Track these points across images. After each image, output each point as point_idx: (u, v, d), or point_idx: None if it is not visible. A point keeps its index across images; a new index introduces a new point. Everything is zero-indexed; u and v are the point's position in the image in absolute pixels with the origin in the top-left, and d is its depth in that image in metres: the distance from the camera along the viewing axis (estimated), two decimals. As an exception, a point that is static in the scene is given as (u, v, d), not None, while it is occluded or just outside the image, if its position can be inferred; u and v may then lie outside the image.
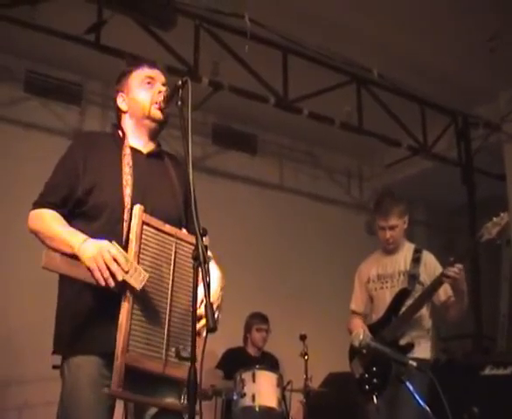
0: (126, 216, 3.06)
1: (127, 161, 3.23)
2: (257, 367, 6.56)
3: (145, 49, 6.54)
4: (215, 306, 2.98)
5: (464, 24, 7.19)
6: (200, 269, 2.66)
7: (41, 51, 7.57)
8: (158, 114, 3.32)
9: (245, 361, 7.09)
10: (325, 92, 7.77)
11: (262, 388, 6.37)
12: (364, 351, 5.05)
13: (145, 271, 2.88)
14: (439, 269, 5.36)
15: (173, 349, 2.96)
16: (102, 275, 2.79)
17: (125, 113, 3.46)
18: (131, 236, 2.96)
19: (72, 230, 3.03)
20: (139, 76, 3.45)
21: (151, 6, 6.21)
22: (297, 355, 6.72)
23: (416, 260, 5.46)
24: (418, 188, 9.83)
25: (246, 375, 6.39)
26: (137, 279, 2.82)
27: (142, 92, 3.38)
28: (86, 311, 2.99)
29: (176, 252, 3.08)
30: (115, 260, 2.81)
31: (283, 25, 7.01)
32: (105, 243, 2.87)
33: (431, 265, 5.45)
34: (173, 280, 3.05)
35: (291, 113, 7.77)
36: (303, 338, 6.77)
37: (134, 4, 6.12)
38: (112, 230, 3.05)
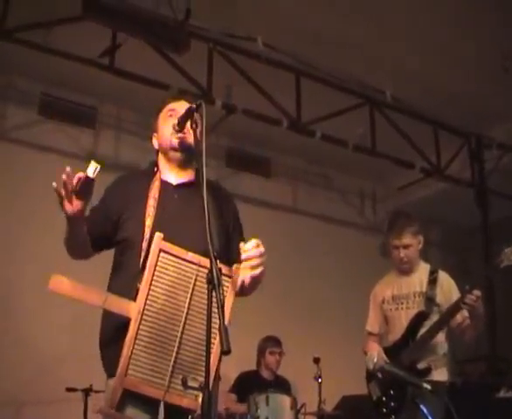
0: (144, 246, 3.13)
1: (153, 193, 3.31)
2: (271, 390, 6.54)
3: (159, 72, 6.61)
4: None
5: (477, 44, 7.19)
6: (214, 292, 2.66)
7: (56, 75, 7.62)
8: (176, 142, 3.37)
9: (258, 385, 7.07)
10: (338, 114, 7.79)
11: (276, 412, 6.35)
12: (380, 374, 5.03)
13: (157, 298, 2.95)
14: (455, 289, 5.32)
15: (180, 377, 2.96)
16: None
17: (158, 151, 3.55)
18: (147, 263, 3.00)
19: None
20: (164, 112, 3.53)
21: (165, 30, 6.25)
22: (311, 378, 6.70)
23: (432, 281, 5.41)
24: (431, 210, 9.80)
25: (260, 399, 6.37)
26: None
27: (165, 127, 3.45)
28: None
29: (196, 280, 3.06)
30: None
31: (296, 48, 7.04)
32: None
33: (447, 287, 5.40)
34: (188, 308, 3.04)
35: (304, 136, 7.78)
36: (317, 361, 6.75)
37: (149, 28, 6.16)
38: (132, 260, 3.14)
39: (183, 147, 3.37)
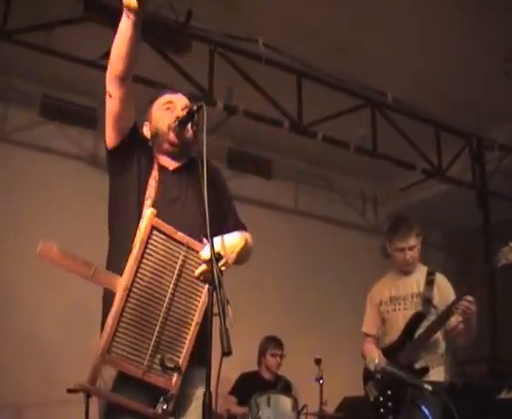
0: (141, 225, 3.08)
1: (154, 174, 3.34)
2: (272, 391, 6.54)
3: (160, 74, 6.60)
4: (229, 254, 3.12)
5: (478, 46, 7.20)
6: (215, 293, 2.68)
7: (57, 76, 7.63)
8: (175, 139, 3.36)
9: (259, 386, 7.07)
10: (339, 115, 7.79)
11: (277, 413, 6.36)
12: (380, 375, 5.03)
13: (144, 275, 2.94)
14: (452, 292, 5.35)
15: (158, 357, 2.96)
16: None
17: (149, 141, 3.52)
18: (136, 237, 2.97)
19: None
20: (160, 103, 3.51)
21: (166, 32, 6.27)
22: (312, 379, 6.69)
23: (429, 283, 5.45)
24: (432, 212, 9.82)
25: (261, 400, 6.38)
26: None
27: (161, 119, 3.44)
28: None
29: (183, 261, 3.07)
30: None
31: (297, 50, 7.05)
32: None
33: (444, 288, 5.43)
34: (174, 288, 3.04)
35: (305, 137, 7.78)
36: (318, 362, 6.74)
37: (150, 30, 6.16)
38: (126, 239, 3.11)
39: (181, 143, 3.36)
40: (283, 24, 6.86)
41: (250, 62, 7.10)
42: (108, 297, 3.03)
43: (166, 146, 3.41)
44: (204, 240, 3.15)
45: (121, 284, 2.89)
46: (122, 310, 2.87)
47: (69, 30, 6.30)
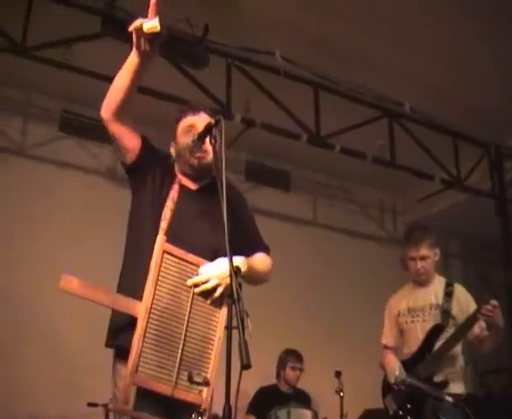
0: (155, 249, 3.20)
1: (172, 195, 3.42)
2: (292, 404, 6.53)
3: (178, 88, 6.63)
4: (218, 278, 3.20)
5: (495, 53, 7.16)
6: (234, 307, 2.72)
7: (75, 92, 7.69)
8: (195, 162, 3.47)
9: (277, 399, 7.05)
10: (357, 127, 7.78)
11: (298, 426, 6.36)
12: (400, 387, 5.01)
13: (162, 297, 3.11)
14: (471, 302, 5.32)
15: (185, 373, 3.07)
16: None
17: (174, 160, 3.64)
18: (151, 263, 3.12)
19: None
20: (182, 125, 3.60)
21: (184, 46, 6.30)
22: (332, 392, 6.68)
23: (448, 294, 5.42)
24: (451, 222, 9.77)
25: (281, 413, 6.39)
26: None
27: (184, 142, 3.53)
28: None
29: None
30: None
31: (314, 62, 7.06)
32: None
33: (463, 299, 5.40)
34: (191, 307, 3.19)
35: (323, 149, 7.78)
36: (338, 374, 6.73)
37: (167, 44, 6.19)
38: (141, 261, 3.23)
39: (200, 167, 3.46)
40: (299, 36, 6.87)
41: (267, 75, 7.11)
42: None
43: (186, 168, 3.52)
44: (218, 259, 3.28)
45: (141, 307, 3.06)
46: (145, 331, 3.04)
47: (87, 46, 6.34)
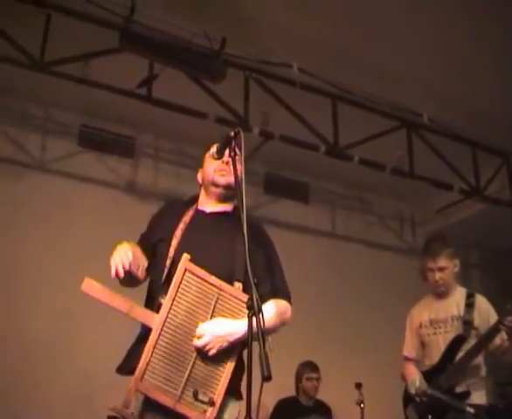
0: (167, 264, 3.39)
1: (185, 219, 3.53)
2: (313, 416, 6.52)
3: (196, 101, 6.66)
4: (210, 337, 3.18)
5: (512, 64, 7.16)
6: (255, 318, 2.74)
7: (94, 106, 7.74)
8: (220, 181, 3.56)
9: (298, 411, 7.05)
10: (375, 138, 7.76)
11: (319, 438, 6.34)
12: (421, 398, 4.99)
13: (178, 313, 3.20)
14: (492, 313, 5.30)
15: (191, 390, 3.11)
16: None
17: (201, 185, 3.76)
18: (173, 279, 3.23)
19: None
20: (210, 151, 3.61)
21: (201, 59, 6.31)
22: (353, 403, 6.66)
23: (469, 305, 5.40)
24: (471, 232, 9.73)
25: (302, 425, 6.37)
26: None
27: (209, 165, 3.64)
28: None
29: (216, 302, 3.26)
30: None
31: (331, 73, 7.05)
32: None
33: (484, 310, 5.38)
34: None
35: (342, 161, 7.76)
36: (359, 386, 6.71)
37: (185, 58, 6.22)
38: (158, 275, 3.42)
39: (226, 184, 3.53)
40: (316, 48, 6.87)
41: (284, 87, 7.12)
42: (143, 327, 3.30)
43: (211, 188, 3.61)
44: (236, 284, 3.32)
45: (157, 319, 3.17)
46: (156, 342, 3.14)
47: (105, 61, 6.37)
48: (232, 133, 3.22)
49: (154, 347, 3.13)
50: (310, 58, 6.89)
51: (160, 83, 6.58)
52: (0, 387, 6.78)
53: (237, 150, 3.28)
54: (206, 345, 3.16)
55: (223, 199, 3.62)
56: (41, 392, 6.99)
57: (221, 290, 3.25)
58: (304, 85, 7.09)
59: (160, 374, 3.11)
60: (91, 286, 3.19)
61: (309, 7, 6.44)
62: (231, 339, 3.20)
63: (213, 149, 3.43)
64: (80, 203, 7.80)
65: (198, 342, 3.17)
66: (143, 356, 3.11)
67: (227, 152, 3.33)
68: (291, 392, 7.70)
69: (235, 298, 3.26)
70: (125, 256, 3.22)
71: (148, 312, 3.23)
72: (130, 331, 3.42)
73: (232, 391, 3.25)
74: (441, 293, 5.52)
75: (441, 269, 5.42)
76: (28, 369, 6.98)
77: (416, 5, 6.38)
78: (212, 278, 3.25)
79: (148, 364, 3.10)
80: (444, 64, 7.20)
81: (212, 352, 3.16)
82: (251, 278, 2.77)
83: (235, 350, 3.23)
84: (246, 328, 3.02)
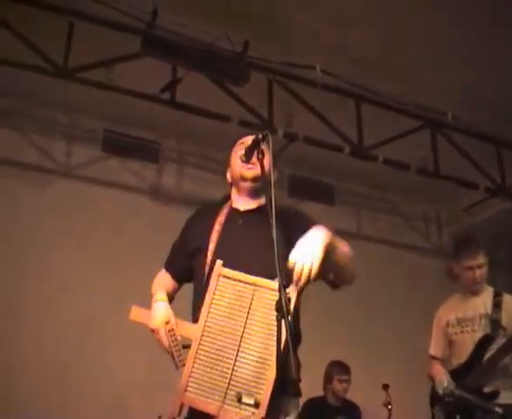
0: (206, 270, 3.35)
1: (220, 219, 3.52)
2: (342, 417, 6.50)
3: (219, 105, 6.67)
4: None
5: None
6: (283, 321, 2.69)
7: (118, 111, 7.76)
8: (248, 174, 3.53)
9: (326, 411, 7.02)
10: (399, 137, 7.73)
11: (348, 438, 6.33)
12: (448, 399, 4.97)
13: (216, 319, 3.20)
14: (521, 313, 5.28)
15: (235, 394, 3.05)
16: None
17: (231, 184, 3.73)
18: (208, 288, 3.25)
19: (158, 288, 3.60)
20: (235, 147, 3.67)
21: (224, 63, 6.33)
22: (380, 404, 6.63)
23: (497, 304, 5.38)
24: (497, 230, 9.65)
25: (331, 426, 6.35)
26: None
27: (235, 159, 3.61)
28: None
29: (252, 299, 3.22)
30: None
31: (354, 74, 7.03)
32: (160, 321, 3.36)
33: (512, 309, 5.37)
34: (245, 327, 3.18)
35: (366, 161, 7.74)
36: (386, 387, 6.68)
37: (208, 62, 6.24)
38: (199, 284, 3.39)
39: (254, 178, 3.51)
40: (340, 49, 6.87)
41: (308, 89, 7.11)
42: None
43: (240, 183, 3.58)
44: (277, 280, 3.21)
45: (196, 330, 3.20)
46: (196, 353, 3.16)
47: (129, 66, 6.40)
48: (260, 136, 3.23)
49: (194, 358, 3.15)
50: (333, 59, 6.88)
51: (183, 87, 6.60)
52: (36, 393, 6.84)
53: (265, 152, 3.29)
54: (304, 268, 2.95)
55: (254, 193, 3.58)
56: (75, 401, 7.04)
57: (256, 286, 3.21)
58: (326, 86, 7.08)
59: (202, 383, 3.12)
60: (139, 314, 3.37)
61: (332, 9, 6.44)
62: (318, 243, 3.13)
63: (241, 152, 3.42)
64: (105, 208, 7.83)
65: (297, 270, 2.95)
66: (185, 369, 3.14)
67: (255, 154, 3.31)
68: (318, 392, 7.66)
69: (272, 290, 3.14)
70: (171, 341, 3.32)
71: (188, 325, 3.31)
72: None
73: (288, 389, 3.16)
74: (476, 291, 5.51)
75: (480, 266, 5.44)
76: (61, 377, 7.03)
77: (439, 6, 6.36)
78: (246, 277, 3.24)
79: (189, 376, 3.12)
80: (468, 63, 7.17)
81: (314, 271, 2.98)
82: (280, 282, 2.74)
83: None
84: (321, 231, 3.32)
